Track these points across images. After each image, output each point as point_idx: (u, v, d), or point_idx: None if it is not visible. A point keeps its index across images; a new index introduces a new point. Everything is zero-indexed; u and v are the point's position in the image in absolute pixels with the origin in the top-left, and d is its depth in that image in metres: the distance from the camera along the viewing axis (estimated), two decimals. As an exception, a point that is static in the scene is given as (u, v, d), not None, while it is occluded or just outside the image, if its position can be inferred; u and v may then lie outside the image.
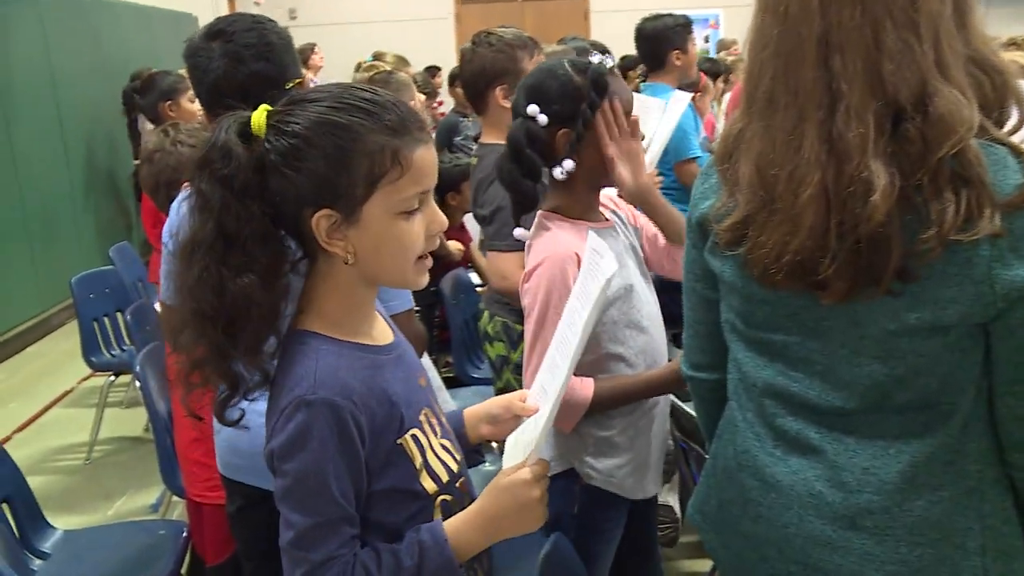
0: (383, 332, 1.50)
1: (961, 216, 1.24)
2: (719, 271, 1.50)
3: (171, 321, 1.40)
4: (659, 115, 3.35)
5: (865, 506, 1.39)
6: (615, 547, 2.19)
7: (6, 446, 2.83)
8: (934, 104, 1.26)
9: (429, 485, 1.43)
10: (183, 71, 2.92)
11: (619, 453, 2.09)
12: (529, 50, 2.98)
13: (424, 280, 1.43)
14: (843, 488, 1.40)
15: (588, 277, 1.49)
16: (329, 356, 1.36)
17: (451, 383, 3.71)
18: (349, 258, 1.35)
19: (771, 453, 1.48)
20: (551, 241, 2.03)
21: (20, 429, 5.26)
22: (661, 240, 2.23)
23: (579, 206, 2.09)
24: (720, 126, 6.49)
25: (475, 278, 4.37)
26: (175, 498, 3.37)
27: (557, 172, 2.04)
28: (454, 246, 4.36)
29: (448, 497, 1.46)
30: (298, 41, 8.66)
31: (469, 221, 4.27)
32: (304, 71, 8.60)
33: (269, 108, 1.36)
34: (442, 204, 4.10)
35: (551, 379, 1.50)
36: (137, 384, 3.29)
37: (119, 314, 4.79)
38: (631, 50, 5.03)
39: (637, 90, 4.56)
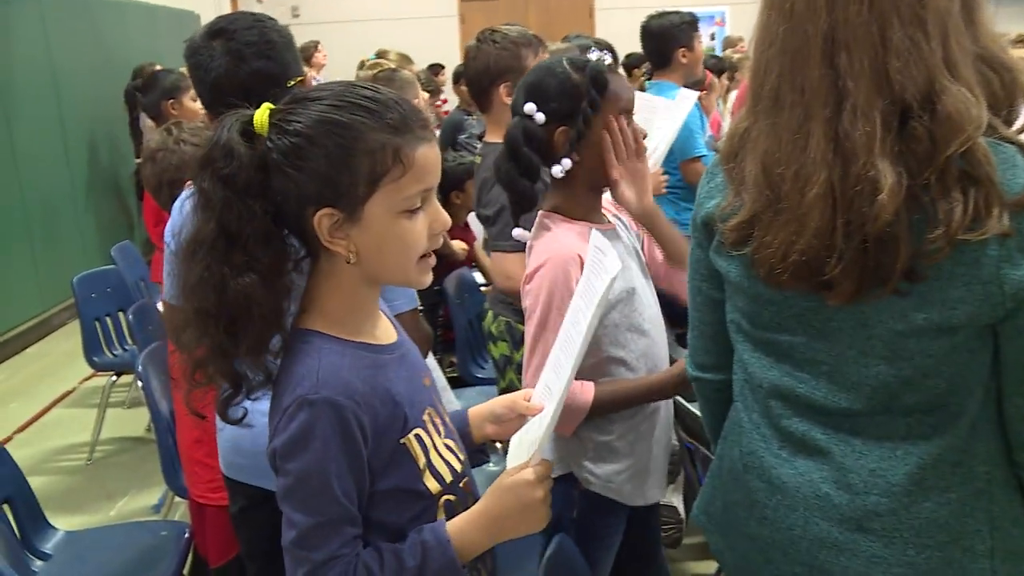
0: (386, 331, 1.49)
1: (969, 215, 1.23)
2: (725, 271, 1.49)
3: (175, 320, 1.39)
4: (665, 114, 3.34)
5: (872, 508, 1.38)
6: (614, 552, 2.17)
7: (7, 446, 2.83)
8: (942, 102, 1.25)
9: (433, 485, 1.42)
10: (185, 69, 2.91)
11: (618, 458, 2.08)
12: (533, 48, 2.97)
13: (427, 279, 1.43)
14: (850, 490, 1.39)
15: (592, 275, 1.48)
16: (332, 355, 1.36)
17: (455, 383, 3.70)
18: (351, 257, 1.34)
19: (777, 454, 1.47)
20: (553, 242, 2.02)
21: (21, 429, 5.25)
22: (659, 254, 2.22)
23: (580, 207, 2.07)
24: (726, 124, 6.47)
25: (479, 277, 4.35)
26: (177, 499, 3.35)
27: (556, 170, 2.02)
28: (458, 245, 4.34)
29: (452, 497, 1.46)
30: (301, 39, 8.67)
31: (473, 220, 4.26)
32: (307, 69, 8.60)
33: (271, 107, 1.35)
34: (446, 203, 4.09)
35: (555, 378, 1.49)
36: (139, 384, 3.28)
37: (121, 314, 4.77)
38: (636, 48, 5.00)
39: (642, 88, 4.55)
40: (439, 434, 1.47)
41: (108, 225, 8.08)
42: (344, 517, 1.32)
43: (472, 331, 4.10)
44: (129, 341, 4.76)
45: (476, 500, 1.47)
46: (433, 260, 1.42)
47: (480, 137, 3.59)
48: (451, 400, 2.95)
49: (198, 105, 4.24)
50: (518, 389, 1.98)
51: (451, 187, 4.29)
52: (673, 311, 2.17)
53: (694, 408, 2.54)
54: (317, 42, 9.37)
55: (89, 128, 8.01)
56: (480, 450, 1.66)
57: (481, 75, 2.97)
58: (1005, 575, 1.36)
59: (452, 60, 9.94)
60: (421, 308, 2.09)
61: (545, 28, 5.19)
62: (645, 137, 2.11)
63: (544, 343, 1.92)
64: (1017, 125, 1.33)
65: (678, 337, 2.72)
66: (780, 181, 1.34)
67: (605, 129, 2.01)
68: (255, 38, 2.09)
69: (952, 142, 1.23)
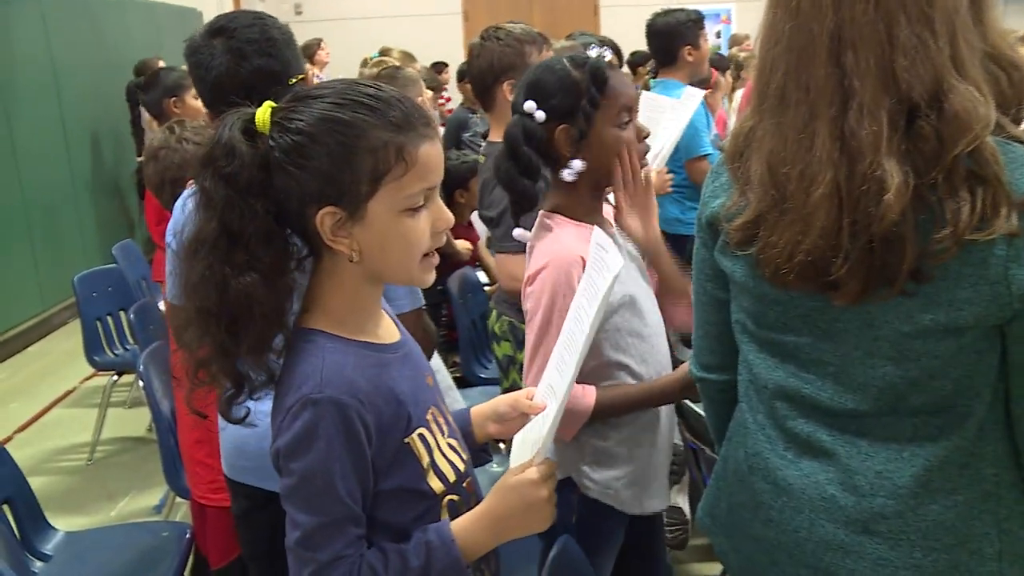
0: (389, 331, 1.49)
1: (977, 215, 1.22)
2: (730, 271, 1.48)
3: (178, 320, 1.39)
4: (671, 113, 3.32)
5: (879, 510, 1.37)
6: (614, 557, 2.16)
7: (7, 446, 2.82)
8: (949, 101, 1.24)
9: (436, 485, 1.42)
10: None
11: (617, 465, 2.06)
12: (538, 45, 2.96)
13: (431, 278, 1.42)
14: (856, 492, 1.39)
15: (595, 272, 1.48)
16: (335, 354, 1.35)
17: (458, 383, 3.69)
18: (354, 256, 1.34)
19: (782, 456, 1.47)
20: (554, 243, 2.00)
21: (21, 429, 5.24)
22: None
23: (582, 207, 2.05)
24: (732, 122, 6.46)
25: (483, 277, 4.34)
26: (179, 499, 3.34)
27: (566, 174, 2.00)
28: (462, 245, 4.34)
29: (455, 497, 1.45)
30: (304, 36, 8.65)
31: (477, 219, 4.25)
32: (310, 67, 8.59)
33: (273, 105, 1.35)
34: (450, 202, 4.07)
35: (558, 377, 1.49)
36: (140, 384, 3.28)
37: (122, 313, 4.77)
38: (641, 45, 4.99)
39: (647, 87, 4.53)
40: (442, 433, 1.47)
41: (109, 224, 8.08)
42: (348, 517, 1.32)
43: (475, 331, 4.09)
44: (130, 340, 4.75)
45: (479, 500, 1.46)
46: (436, 259, 1.41)
47: (484, 136, 3.58)
48: (457, 400, 2.95)
49: (200, 103, 4.24)
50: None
51: (455, 186, 4.28)
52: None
53: (698, 409, 2.53)
54: (320, 39, 9.37)
55: (90, 126, 8.01)
56: (482, 449, 1.65)
57: (485, 73, 2.96)
58: (1013, 578, 1.35)
59: (456, 58, 9.91)
60: (425, 306, 2.07)
61: (549, 26, 5.19)
62: (648, 136, 2.09)
63: (546, 347, 1.90)
64: (1026, 124, 1.32)
65: (683, 338, 2.71)
66: (786, 180, 1.33)
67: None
68: (256, 36, 2.08)
69: (959, 141, 1.23)
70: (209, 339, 1.32)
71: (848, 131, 1.28)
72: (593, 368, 2.00)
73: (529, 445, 1.47)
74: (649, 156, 2.17)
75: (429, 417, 1.45)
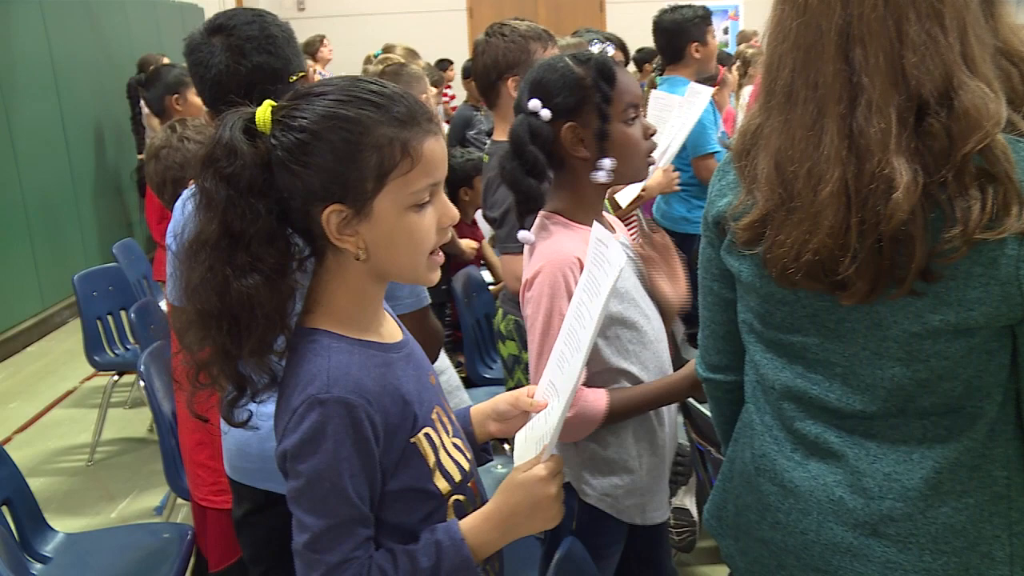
0: (392, 330, 1.48)
1: (987, 214, 1.21)
2: (736, 271, 1.46)
3: (180, 322, 1.38)
4: (678, 111, 3.31)
5: (888, 513, 1.36)
6: (614, 567, 2.14)
7: (6, 447, 2.81)
8: (959, 98, 1.23)
9: (442, 485, 1.41)
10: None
11: (616, 472, 2.04)
12: (543, 42, 2.94)
13: (436, 276, 1.41)
14: (865, 494, 1.38)
15: (595, 267, 1.47)
16: (341, 354, 1.34)
17: (462, 383, 3.67)
18: (361, 254, 1.33)
19: (790, 457, 1.46)
20: (550, 246, 1.98)
21: (21, 430, 5.23)
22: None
23: (584, 207, 2.03)
24: (740, 120, 6.44)
25: (487, 276, 4.33)
26: (180, 500, 3.33)
27: (600, 175, 1.99)
28: (467, 244, 4.32)
29: (461, 497, 1.44)
30: (306, 33, 8.64)
31: (481, 218, 4.24)
32: (312, 64, 8.55)
33: (273, 104, 1.34)
34: (454, 199, 4.05)
35: (560, 373, 1.48)
36: (141, 384, 3.27)
37: (123, 312, 4.75)
38: (648, 42, 4.97)
39: (653, 84, 4.51)
40: (447, 433, 1.46)
41: (110, 222, 8.08)
42: (357, 518, 1.31)
43: (480, 330, 4.08)
44: (131, 340, 4.74)
45: (484, 501, 1.46)
46: (441, 257, 1.41)
47: (489, 134, 3.56)
48: (464, 400, 2.92)
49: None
50: (526, 388, 1.96)
51: (459, 183, 4.27)
52: (685, 312, 2.15)
53: (705, 410, 2.52)
54: (322, 36, 9.35)
55: (90, 124, 8.01)
56: (483, 449, 1.65)
57: (489, 69, 2.94)
58: (1024, 582, 1.34)
59: (460, 55, 9.93)
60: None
61: (554, 22, 5.18)
62: (654, 133, 2.08)
63: (548, 351, 1.88)
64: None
65: (690, 338, 2.69)
66: (793, 179, 1.32)
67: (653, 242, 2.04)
68: (255, 33, 2.06)
69: (970, 139, 1.21)
70: (210, 341, 1.32)
71: (856, 129, 1.27)
72: (596, 375, 1.98)
73: (533, 443, 1.47)
74: (655, 154, 2.15)
75: (434, 416, 1.44)
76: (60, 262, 6.99)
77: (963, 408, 1.33)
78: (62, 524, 2.91)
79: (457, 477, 1.43)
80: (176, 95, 4.49)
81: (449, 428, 1.48)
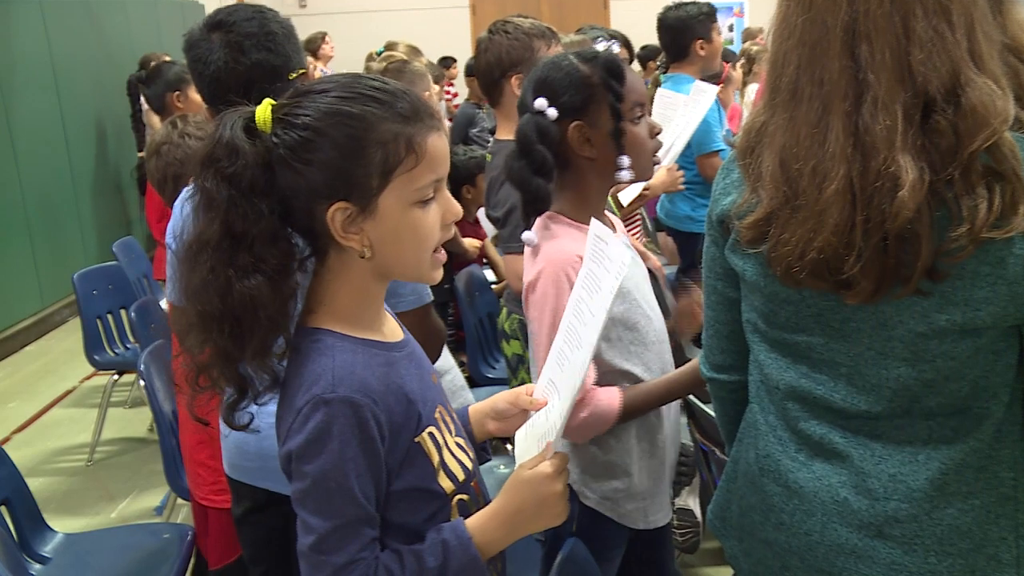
0: (393, 329, 1.48)
1: (995, 212, 1.20)
2: (741, 269, 1.45)
3: (180, 322, 1.37)
4: (683, 110, 3.29)
5: (893, 514, 1.35)
6: (615, 570, 2.13)
7: (6, 447, 2.81)
8: (966, 95, 1.22)
9: (446, 484, 1.40)
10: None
11: (618, 476, 2.03)
12: (546, 40, 2.93)
13: (439, 274, 1.41)
14: (870, 495, 1.37)
15: (593, 264, 1.46)
16: (345, 353, 1.33)
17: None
18: (366, 252, 1.32)
19: (794, 458, 1.45)
20: (555, 247, 1.96)
21: (20, 429, 5.22)
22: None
23: (587, 206, 2.01)
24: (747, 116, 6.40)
25: (490, 275, 4.33)
26: (180, 500, 3.32)
27: (623, 174, 1.98)
28: (470, 243, 4.31)
29: (465, 496, 1.44)
30: (308, 30, 8.60)
31: (484, 216, 4.23)
32: (314, 61, 8.52)
33: (272, 102, 1.33)
34: (456, 197, 4.04)
35: (559, 371, 1.47)
36: (141, 383, 3.26)
37: (123, 311, 4.74)
38: (652, 39, 4.95)
39: (657, 82, 4.49)
40: (450, 432, 1.46)
41: (110, 221, 8.08)
42: (363, 519, 1.30)
43: (482, 330, 4.07)
44: (131, 339, 4.73)
45: (487, 500, 1.45)
46: (444, 255, 1.40)
47: (492, 132, 3.55)
48: (469, 400, 2.91)
49: (202, 98, 4.21)
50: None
51: (462, 181, 4.27)
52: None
53: (709, 410, 2.51)
54: (324, 33, 9.31)
55: (90, 122, 8.01)
56: (482, 448, 1.64)
57: (492, 67, 2.93)
58: (1032, 584, 1.33)
59: (463, 52, 9.91)
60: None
61: (558, 19, 5.17)
62: (660, 132, 2.06)
63: None
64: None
65: (694, 338, 2.68)
66: (798, 177, 1.31)
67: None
68: (254, 29, 2.05)
69: (977, 136, 1.20)
70: (212, 344, 1.30)
71: (862, 126, 1.25)
72: (600, 376, 1.97)
73: (534, 441, 1.46)
74: (660, 153, 2.14)
75: (437, 416, 1.43)
76: (60, 260, 6.98)
77: (969, 409, 1.32)
78: (61, 524, 2.90)
79: (461, 476, 1.43)
80: (177, 92, 4.48)
81: (452, 427, 1.47)
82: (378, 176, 1.28)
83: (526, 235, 2.00)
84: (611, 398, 1.94)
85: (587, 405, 1.90)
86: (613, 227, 2.11)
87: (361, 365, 1.32)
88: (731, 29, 11.93)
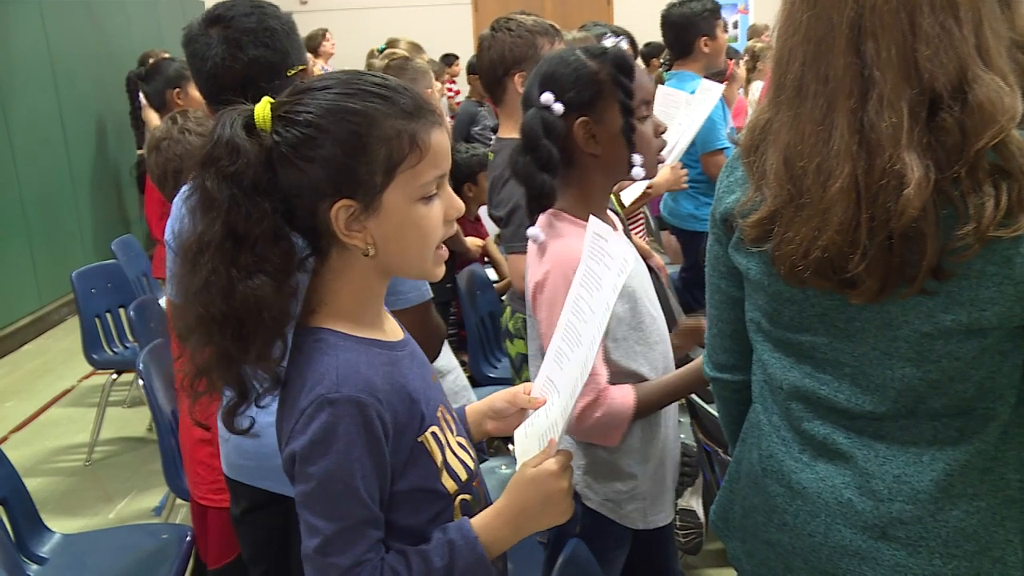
0: (393, 328, 1.47)
1: (1001, 211, 1.19)
2: (744, 268, 1.44)
3: (180, 321, 1.35)
4: (686, 108, 3.27)
5: (897, 515, 1.34)
6: (619, 570, 2.12)
7: (3, 446, 2.81)
8: (973, 92, 1.21)
9: (449, 484, 1.40)
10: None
11: (620, 477, 2.02)
12: (550, 37, 2.92)
13: (441, 271, 1.40)
14: (874, 496, 1.36)
15: (592, 261, 1.45)
16: (348, 352, 1.32)
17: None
18: (369, 250, 1.31)
19: (797, 458, 1.44)
20: (561, 246, 1.95)
21: (18, 429, 5.21)
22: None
23: (591, 204, 2.00)
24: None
25: (492, 274, 4.32)
26: (179, 501, 3.31)
27: (636, 172, 1.96)
28: (472, 242, 4.30)
29: (467, 496, 1.43)
30: (309, 26, 8.56)
31: (485, 215, 4.22)
32: (315, 58, 8.48)
33: (271, 100, 1.32)
34: (458, 196, 4.04)
35: (558, 369, 1.47)
36: (140, 383, 3.25)
37: (122, 310, 4.73)
38: (656, 36, 4.93)
39: (660, 80, 4.48)
40: (452, 432, 1.45)
41: (108, 219, 8.07)
42: (368, 520, 1.29)
43: (484, 329, 4.06)
44: (130, 338, 4.72)
45: (488, 500, 1.45)
46: (446, 252, 1.40)
47: (494, 130, 3.53)
48: (472, 400, 2.91)
49: (201, 94, 4.19)
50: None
51: (463, 179, 4.26)
52: (692, 309, 2.13)
53: (712, 410, 2.50)
54: (325, 30, 9.30)
55: (89, 119, 7.99)
56: (479, 448, 1.62)
57: (495, 65, 2.91)
58: (1038, 587, 1.32)
59: (465, 49, 9.89)
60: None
61: (561, 16, 5.14)
62: (664, 131, 2.05)
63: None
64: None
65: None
66: (802, 175, 1.30)
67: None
68: (253, 25, 2.04)
69: (984, 134, 1.19)
70: (213, 346, 1.29)
71: (867, 123, 1.25)
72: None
73: (535, 439, 1.45)
74: (664, 151, 2.12)
75: (439, 415, 1.42)
76: (58, 259, 6.97)
77: (975, 410, 1.31)
78: (59, 525, 2.90)
79: (463, 476, 1.42)
80: (177, 89, 4.47)
81: (453, 427, 1.46)
82: (382, 173, 1.28)
83: (532, 231, 1.99)
84: (625, 396, 1.93)
85: (601, 404, 1.89)
86: (613, 226, 2.09)
87: (365, 364, 1.31)
88: (735, 26, 11.90)
